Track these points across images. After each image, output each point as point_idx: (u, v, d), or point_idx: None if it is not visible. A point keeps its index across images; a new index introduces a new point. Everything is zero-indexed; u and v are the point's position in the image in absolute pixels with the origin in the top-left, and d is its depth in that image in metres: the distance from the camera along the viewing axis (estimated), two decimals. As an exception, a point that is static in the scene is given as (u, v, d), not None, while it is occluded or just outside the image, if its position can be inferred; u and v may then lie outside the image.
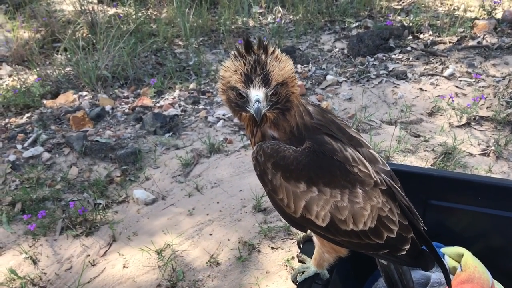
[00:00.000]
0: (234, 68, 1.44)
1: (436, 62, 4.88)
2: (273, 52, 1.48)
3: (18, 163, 3.77)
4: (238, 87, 1.43)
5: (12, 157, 3.81)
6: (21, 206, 3.32)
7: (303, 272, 1.67)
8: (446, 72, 4.61)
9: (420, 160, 3.51)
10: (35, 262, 2.90)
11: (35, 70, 5.13)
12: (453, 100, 4.11)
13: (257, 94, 1.41)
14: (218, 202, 3.25)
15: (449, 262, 2.05)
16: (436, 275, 2.03)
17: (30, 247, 3.01)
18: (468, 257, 1.98)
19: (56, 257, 2.93)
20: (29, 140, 4.03)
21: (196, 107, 4.46)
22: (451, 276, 2.00)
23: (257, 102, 1.40)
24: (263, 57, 1.45)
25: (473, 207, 2.09)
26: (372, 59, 5.09)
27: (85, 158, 3.81)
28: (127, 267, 2.80)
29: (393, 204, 1.60)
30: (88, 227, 3.11)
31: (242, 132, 4.07)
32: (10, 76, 5.32)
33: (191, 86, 4.87)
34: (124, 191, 3.44)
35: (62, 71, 5.14)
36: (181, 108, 4.44)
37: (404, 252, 1.61)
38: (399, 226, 1.59)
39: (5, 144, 4.04)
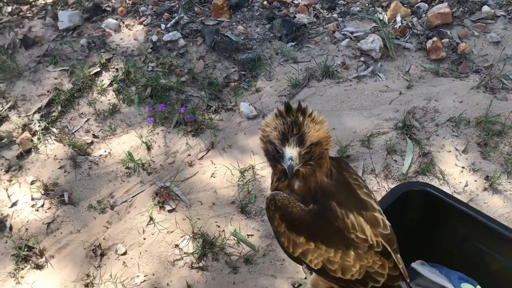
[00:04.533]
0: (274, 125, 1.60)
1: None
2: (310, 115, 1.58)
3: (158, 45, 4.27)
4: (275, 143, 1.59)
5: (154, 38, 4.31)
6: (151, 91, 3.89)
7: (300, 285, 1.96)
8: None
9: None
10: (149, 148, 3.54)
11: None
12: None
13: (291, 152, 1.56)
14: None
15: (462, 298, 2.15)
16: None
17: (148, 133, 3.63)
18: (477, 306, 2.05)
19: (165, 149, 3.53)
20: (172, 22, 4.44)
21: (329, 15, 4.36)
22: (459, 311, 2.12)
23: (290, 160, 1.57)
24: (300, 119, 1.57)
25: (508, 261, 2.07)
26: (555, -12, 4.25)
27: (212, 53, 4.16)
28: (214, 177, 3.30)
29: (387, 260, 1.73)
30: (196, 128, 3.60)
31: (362, 59, 3.98)
32: None
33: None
34: (235, 99, 3.79)
35: None
36: (315, 13, 4.39)
37: None
38: (387, 278, 1.75)
39: (153, 20, 4.52)
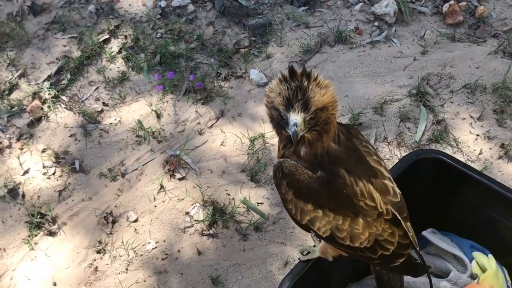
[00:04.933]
0: (278, 90, 1.54)
1: None
2: (315, 79, 1.53)
3: (167, 11, 4.19)
4: (280, 109, 1.55)
5: (163, 3, 4.22)
6: (160, 58, 3.84)
7: (308, 253, 1.95)
8: None
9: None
10: (158, 116, 3.51)
11: None
12: None
13: (295, 118, 1.52)
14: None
15: (474, 267, 2.13)
16: (454, 273, 2.14)
17: (158, 101, 3.60)
18: (489, 275, 2.03)
19: (175, 117, 3.50)
20: (187, -14, 4.34)
21: (342, -22, 4.23)
22: (470, 280, 2.11)
23: (295, 126, 1.52)
24: (305, 83, 1.52)
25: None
26: None
27: (222, 18, 4.07)
28: (224, 146, 3.28)
29: (397, 228, 1.71)
30: (205, 96, 3.56)
31: (376, 23, 3.87)
32: None
33: None
34: (245, 66, 3.73)
35: None
36: (328, -24, 4.26)
37: (398, 264, 1.77)
38: (396, 246, 1.72)
39: (162, -15, 4.43)
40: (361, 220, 1.65)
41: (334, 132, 1.63)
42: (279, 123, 1.59)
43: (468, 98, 3.26)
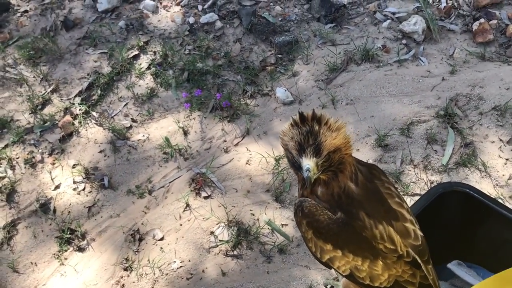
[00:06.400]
0: (290, 135, 1.57)
1: None
2: (326, 123, 1.54)
3: (195, 27, 4.24)
4: (293, 153, 1.57)
5: (191, 20, 4.28)
6: (188, 75, 3.90)
7: (332, 287, 1.96)
8: None
9: None
10: (185, 133, 3.56)
11: None
12: None
13: (308, 163, 1.54)
14: (345, 123, 3.39)
15: (500, 303, 2.10)
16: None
17: (185, 118, 3.65)
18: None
19: (201, 134, 3.55)
20: (209, 2, 4.39)
21: (370, -5, 4.22)
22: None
23: (307, 171, 1.54)
24: (316, 128, 1.53)
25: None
26: None
27: (249, 35, 4.10)
28: (249, 164, 3.31)
29: (418, 270, 1.71)
30: (231, 114, 3.60)
31: (404, 41, 3.85)
32: None
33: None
34: (271, 84, 3.75)
35: None
36: (356, -8, 4.25)
37: None
38: (418, 286, 1.72)
39: (190, 1, 4.49)
40: (381, 262, 1.65)
41: (351, 171, 1.64)
42: (294, 165, 1.62)
43: (498, 121, 3.21)
